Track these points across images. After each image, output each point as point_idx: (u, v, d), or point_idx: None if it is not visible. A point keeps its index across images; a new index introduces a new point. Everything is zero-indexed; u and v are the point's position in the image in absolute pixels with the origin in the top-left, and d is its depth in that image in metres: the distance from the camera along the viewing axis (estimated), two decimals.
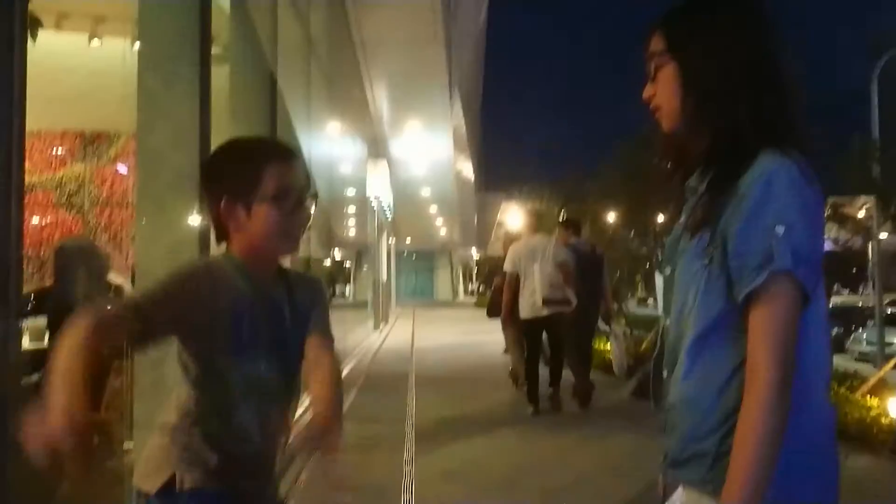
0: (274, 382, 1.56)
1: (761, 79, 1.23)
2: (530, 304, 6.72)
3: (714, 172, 1.24)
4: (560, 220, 7.90)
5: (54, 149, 7.60)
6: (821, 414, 1.19)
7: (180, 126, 3.42)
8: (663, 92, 1.30)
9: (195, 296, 1.43)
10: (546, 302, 6.61)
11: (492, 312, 8.53)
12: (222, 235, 1.57)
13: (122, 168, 7.69)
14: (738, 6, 1.29)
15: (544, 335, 7.02)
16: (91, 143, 7.57)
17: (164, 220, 3.42)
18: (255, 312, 1.52)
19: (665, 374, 1.31)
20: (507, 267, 7.00)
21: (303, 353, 1.63)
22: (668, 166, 1.41)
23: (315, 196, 1.65)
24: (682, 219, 1.31)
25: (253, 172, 1.51)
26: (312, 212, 1.62)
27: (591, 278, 7.23)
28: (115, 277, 3.99)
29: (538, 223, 7.50)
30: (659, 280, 17.28)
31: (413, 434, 5.80)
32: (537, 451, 5.53)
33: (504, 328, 7.55)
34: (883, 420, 5.57)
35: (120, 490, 3.47)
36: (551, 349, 7.05)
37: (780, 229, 1.10)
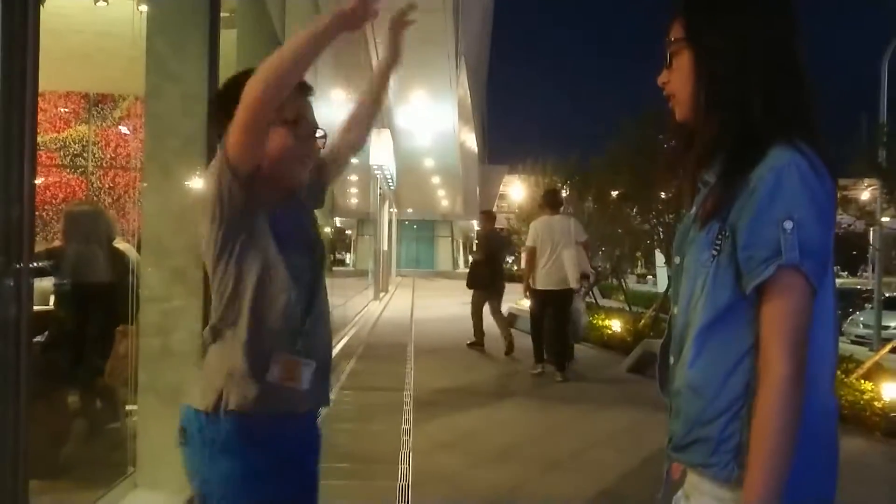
0: (310, 275, 1.65)
1: (778, 70, 1.22)
2: (555, 278, 7.24)
3: (725, 164, 1.24)
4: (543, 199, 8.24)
5: (59, 109, 7.55)
6: (826, 406, 1.20)
7: (188, 91, 3.41)
8: (678, 79, 1.30)
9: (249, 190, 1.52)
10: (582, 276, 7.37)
11: (470, 285, 9.42)
12: None
13: (124, 129, 7.66)
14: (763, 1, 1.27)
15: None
16: (96, 104, 7.52)
17: (170, 185, 3.43)
18: (285, 216, 1.60)
19: (672, 360, 1.33)
20: (528, 242, 7.62)
21: (325, 254, 1.75)
22: (680, 154, 1.42)
23: (325, 136, 1.69)
24: (693, 210, 1.32)
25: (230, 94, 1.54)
26: (323, 146, 1.70)
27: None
28: (120, 244, 4.00)
29: (556, 202, 7.87)
30: (659, 258, 17.35)
31: (411, 404, 5.86)
32: (534, 424, 5.60)
33: (526, 296, 7.98)
34: (876, 404, 5.63)
35: (123, 451, 3.53)
36: (557, 320, 7.44)
37: (789, 224, 1.11)
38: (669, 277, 13.88)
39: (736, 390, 1.18)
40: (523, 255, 8.62)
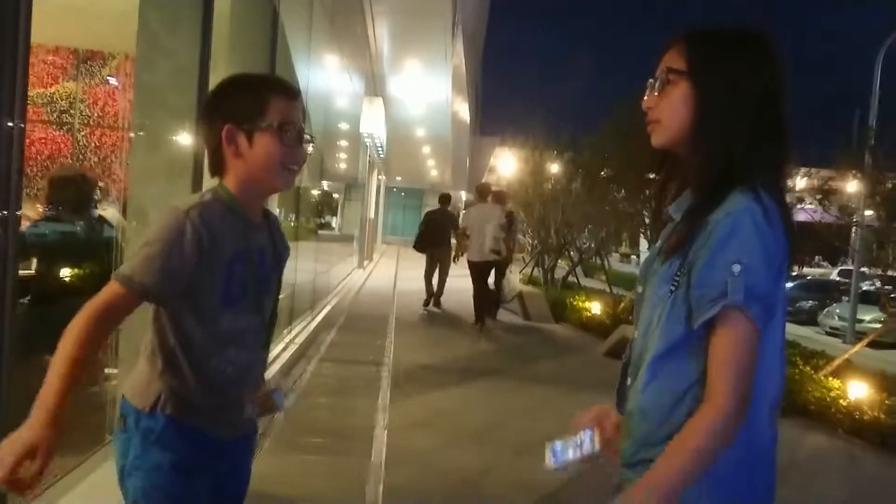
0: (255, 325, 1.64)
1: (764, 120, 1.27)
2: (482, 252, 9.36)
3: (692, 203, 1.29)
4: (493, 192, 10.38)
5: (46, 64, 7.43)
6: (761, 441, 1.28)
7: (181, 59, 3.39)
8: (668, 109, 1.33)
9: (192, 254, 1.47)
10: (492, 251, 9.38)
11: (417, 248, 11.53)
12: (217, 167, 1.60)
13: (112, 80, 7.54)
14: (758, 44, 1.31)
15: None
16: (84, 61, 7.40)
17: (158, 156, 3.43)
18: (245, 259, 1.57)
19: (629, 381, 1.39)
20: (462, 223, 9.99)
21: (278, 292, 1.72)
22: (664, 178, 1.46)
23: (312, 139, 1.69)
24: (659, 242, 1.37)
25: (259, 101, 1.55)
26: (310, 152, 1.68)
27: (506, 236, 10.15)
28: (106, 210, 3.99)
29: (485, 194, 9.98)
30: (643, 242, 17.45)
31: (389, 380, 5.93)
32: (508, 407, 5.69)
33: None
34: (841, 402, 5.77)
35: (102, 415, 3.56)
36: (481, 285, 9.48)
37: (737, 268, 1.17)
38: None
39: (680, 419, 1.25)
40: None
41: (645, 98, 1.38)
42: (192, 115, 3.38)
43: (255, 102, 1.55)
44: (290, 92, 1.61)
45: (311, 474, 3.59)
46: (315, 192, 10.90)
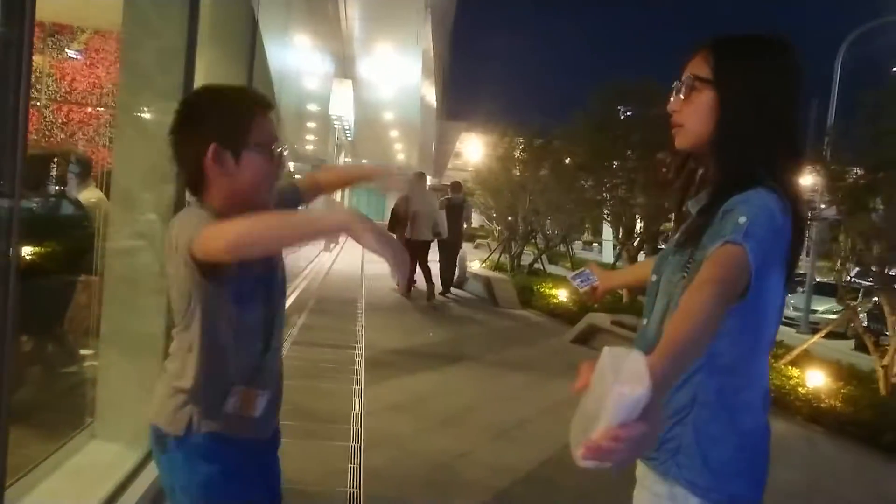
0: (269, 318, 1.66)
1: (784, 127, 1.35)
2: (424, 233, 10.46)
3: (709, 201, 1.36)
4: (449, 184, 11.96)
5: None
6: (758, 424, 1.37)
7: (168, 39, 3.35)
8: (693, 114, 1.39)
9: None
10: (433, 232, 10.58)
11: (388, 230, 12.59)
12: (199, 186, 1.57)
13: (72, 53, 7.33)
14: (782, 52, 1.37)
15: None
16: (52, 35, 7.21)
17: (143, 140, 3.39)
18: (248, 268, 1.55)
19: None
20: (400, 207, 10.73)
21: (285, 290, 1.77)
22: (672, 179, 1.53)
23: (286, 150, 1.69)
24: (676, 236, 1.44)
25: (244, 120, 1.53)
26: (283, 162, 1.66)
27: (458, 218, 11.53)
28: (92, 192, 3.93)
29: (423, 180, 11.30)
30: (607, 231, 17.64)
31: (362, 363, 5.97)
32: (481, 392, 5.78)
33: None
34: (800, 390, 5.99)
35: (81, 401, 3.55)
36: (423, 263, 10.51)
37: (743, 219, 1.22)
38: (615, 248, 14.21)
39: (684, 400, 1.33)
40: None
41: (671, 101, 1.44)
42: (179, 96, 3.35)
43: (241, 120, 1.53)
44: (269, 107, 1.60)
45: (293, 457, 3.62)
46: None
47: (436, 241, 10.93)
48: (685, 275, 1.33)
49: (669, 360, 1.05)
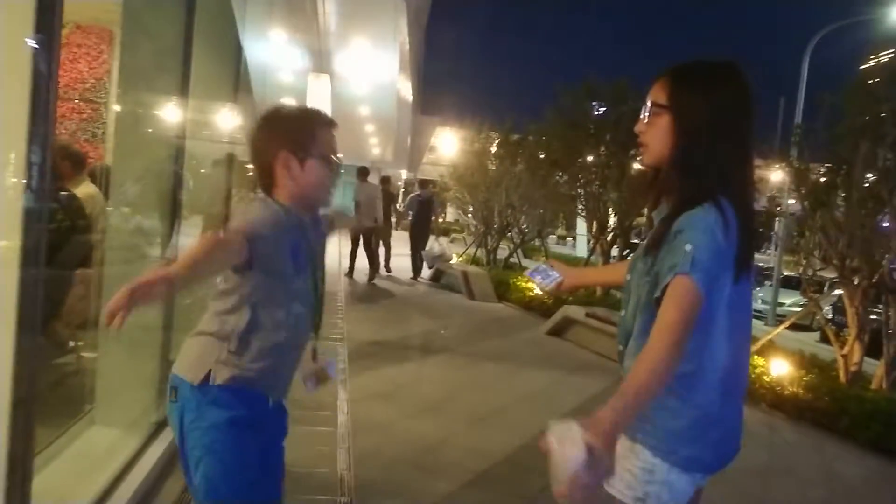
0: (310, 295, 1.96)
1: (733, 148, 1.56)
2: (368, 219, 10.78)
3: (668, 211, 1.58)
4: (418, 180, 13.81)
5: None
6: (714, 400, 1.59)
7: (165, 38, 3.48)
8: (654, 136, 1.62)
9: (277, 232, 1.78)
10: (374, 219, 11.53)
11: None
12: (269, 184, 1.90)
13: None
14: (734, 79, 1.58)
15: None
16: None
17: (142, 137, 3.53)
18: (303, 244, 1.89)
19: (621, 348, 1.71)
20: (354, 198, 11.86)
21: (324, 275, 2.06)
22: (644, 190, 1.76)
23: (341, 160, 2.00)
24: (646, 241, 1.65)
25: (311, 134, 1.90)
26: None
27: (427, 212, 13.28)
28: (88, 187, 4.04)
29: (366, 174, 12.16)
30: (581, 225, 17.91)
31: (346, 355, 6.14)
32: (460, 381, 5.98)
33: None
34: (765, 378, 6.29)
35: (81, 385, 3.67)
36: (368, 246, 12.08)
37: (689, 247, 1.46)
38: (588, 242, 14.49)
39: None
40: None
41: (637, 125, 1.66)
42: (177, 93, 3.49)
43: (308, 134, 1.89)
44: (332, 124, 1.96)
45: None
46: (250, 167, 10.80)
47: (408, 232, 12.88)
48: (648, 279, 1.57)
49: (621, 412, 1.36)
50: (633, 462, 1.59)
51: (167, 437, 3.52)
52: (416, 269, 12.90)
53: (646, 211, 1.87)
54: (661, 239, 1.54)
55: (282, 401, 1.97)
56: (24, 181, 1.90)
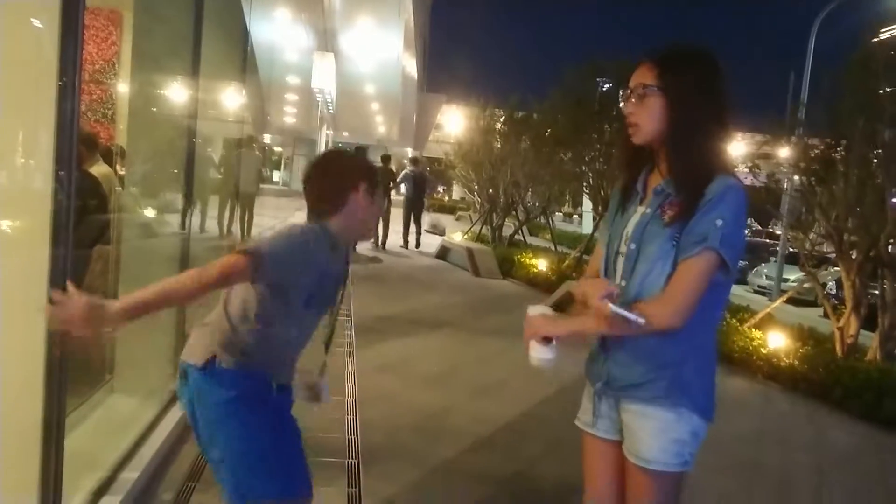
0: (319, 322, 2.14)
1: (717, 123, 1.70)
2: None
3: (687, 187, 1.69)
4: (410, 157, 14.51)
5: None
6: (713, 351, 1.82)
7: (175, 32, 3.61)
8: (645, 115, 1.74)
9: (304, 263, 1.90)
10: None
11: None
12: (332, 211, 2.01)
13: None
14: (708, 60, 1.73)
15: None
16: None
17: (156, 121, 3.67)
18: (330, 276, 2.03)
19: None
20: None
21: (341, 301, 2.25)
22: (628, 163, 1.89)
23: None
24: (649, 210, 1.76)
25: (376, 175, 2.11)
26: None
27: (421, 188, 14.35)
28: (101, 167, 4.18)
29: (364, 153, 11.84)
30: (586, 203, 17.99)
31: (353, 329, 6.31)
32: (463, 355, 6.16)
33: None
34: (762, 350, 6.44)
35: (101, 357, 3.84)
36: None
37: (720, 222, 1.61)
38: (594, 220, 14.59)
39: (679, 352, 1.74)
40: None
41: (624, 105, 1.79)
42: (187, 76, 3.61)
43: (375, 173, 2.11)
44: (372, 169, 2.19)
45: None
46: (257, 150, 10.77)
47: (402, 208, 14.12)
48: (673, 244, 1.67)
49: (583, 330, 1.79)
50: (682, 429, 1.73)
51: None
52: (407, 241, 14.11)
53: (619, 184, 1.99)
54: (687, 209, 1.66)
55: (285, 382, 2.10)
56: (53, 163, 2.03)
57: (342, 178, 2.05)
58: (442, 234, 15.39)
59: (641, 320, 1.62)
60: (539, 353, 1.84)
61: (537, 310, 1.88)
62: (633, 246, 1.77)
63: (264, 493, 1.90)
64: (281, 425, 2.04)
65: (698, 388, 1.74)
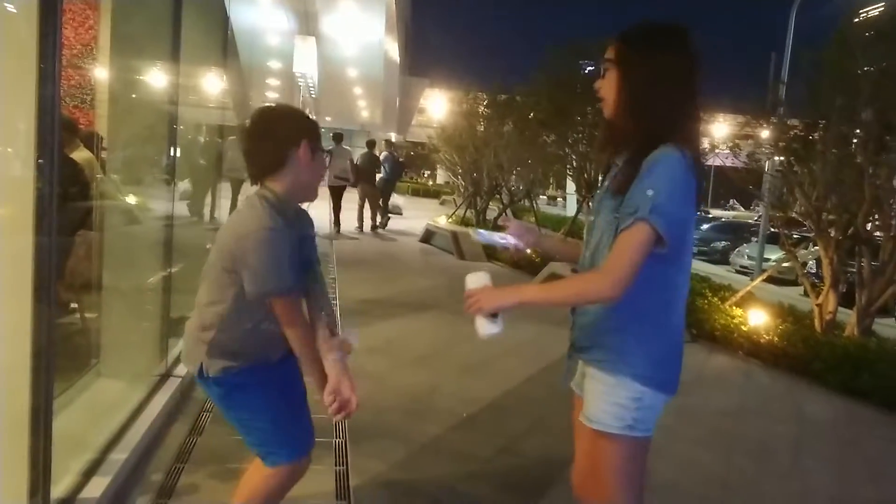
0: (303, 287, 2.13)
1: (678, 96, 1.73)
2: (335, 179, 13.09)
3: (630, 154, 1.75)
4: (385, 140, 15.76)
5: None
6: (680, 329, 1.85)
7: (154, 15, 3.60)
8: (608, 88, 1.81)
9: (286, 248, 1.92)
10: (338, 178, 13.08)
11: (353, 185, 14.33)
12: (273, 173, 1.98)
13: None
14: (676, 38, 1.75)
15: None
16: None
17: (136, 106, 3.66)
18: (295, 240, 2.00)
19: None
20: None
21: (315, 260, 2.21)
22: (605, 140, 1.93)
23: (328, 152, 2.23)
24: (607, 182, 1.82)
25: (318, 128, 2.05)
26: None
27: (395, 171, 15.46)
28: (82, 152, 4.17)
29: (340, 139, 13.71)
30: (570, 185, 18.07)
31: (338, 312, 6.34)
32: (449, 335, 6.20)
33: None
34: (742, 328, 6.54)
35: (84, 338, 3.85)
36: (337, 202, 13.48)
37: (650, 192, 1.64)
38: (578, 202, 14.64)
39: (610, 312, 1.80)
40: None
41: (597, 82, 1.85)
42: (167, 61, 3.60)
43: (318, 129, 2.04)
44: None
45: None
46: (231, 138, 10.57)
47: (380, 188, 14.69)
48: (616, 216, 1.73)
49: (530, 299, 1.91)
50: (621, 394, 1.78)
51: (171, 387, 3.73)
52: (383, 224, 14.86)
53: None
54: (627, 181, 1.70)
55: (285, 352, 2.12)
56: (35, 149, 2.03)
57: (283, 139, 1.98)
58: (399, 213, 16.63)
59: (508, 244, 2.03)
60: (487, 329, 1.88)
61: (477, 280, 1.89)
62: (591, 218, 1.90)
63: (279, 460, 2.13)
64: (286, 392, 2.16)
65: (639, 355, 1.77)
